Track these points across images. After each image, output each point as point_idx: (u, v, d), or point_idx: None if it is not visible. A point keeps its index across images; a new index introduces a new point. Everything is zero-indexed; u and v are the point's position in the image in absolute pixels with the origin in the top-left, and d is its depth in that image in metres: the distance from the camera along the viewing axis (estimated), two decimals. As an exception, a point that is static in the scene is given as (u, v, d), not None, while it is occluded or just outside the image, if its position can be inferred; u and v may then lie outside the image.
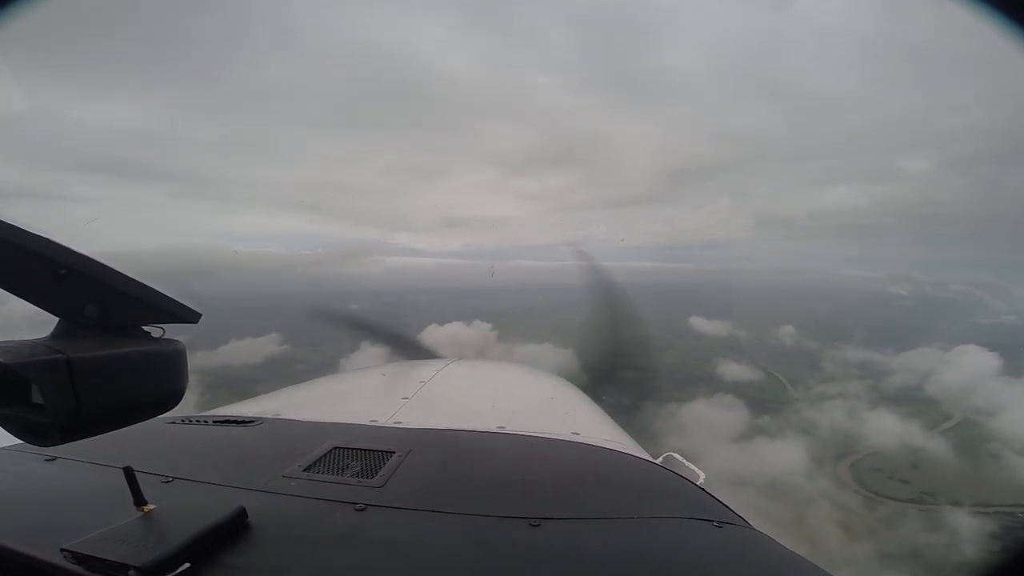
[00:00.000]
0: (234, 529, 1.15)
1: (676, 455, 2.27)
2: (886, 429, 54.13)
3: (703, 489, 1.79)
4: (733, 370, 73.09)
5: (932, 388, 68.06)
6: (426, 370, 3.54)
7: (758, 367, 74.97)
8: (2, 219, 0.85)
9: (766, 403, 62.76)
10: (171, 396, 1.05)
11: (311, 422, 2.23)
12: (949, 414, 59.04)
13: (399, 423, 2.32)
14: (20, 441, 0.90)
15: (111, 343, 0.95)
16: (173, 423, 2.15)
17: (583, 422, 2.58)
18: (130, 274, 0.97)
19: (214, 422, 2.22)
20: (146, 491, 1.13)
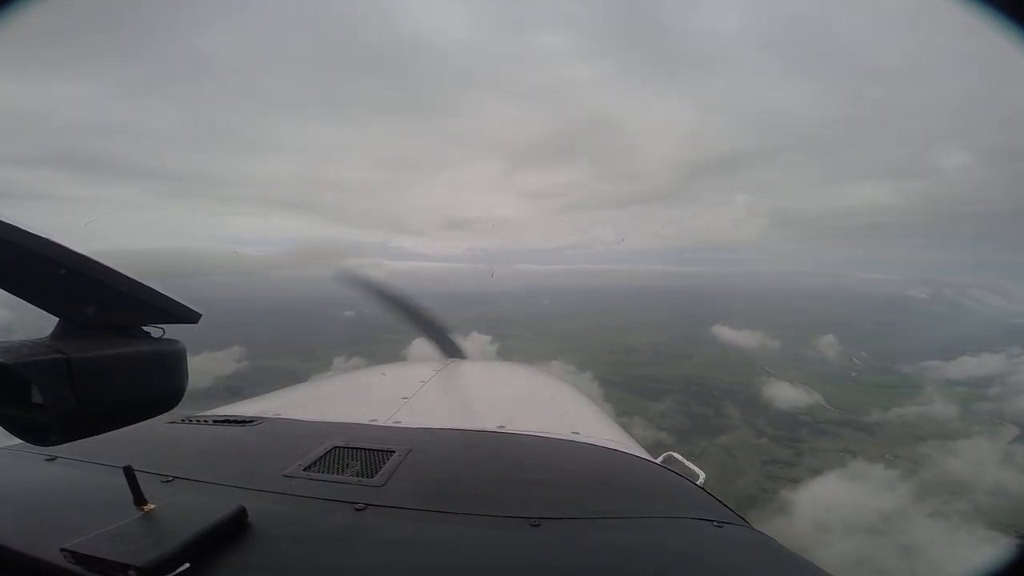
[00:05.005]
0: (234, 529, 1.15)
1: (676, 455, 2.27)
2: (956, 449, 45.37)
3: (703, 489, 1.79)
4: (772, 387, 64.70)
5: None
6: (426, 370, 3.55)
7: (805, 386, 66.52)
8: (2, 219, 0.86)
9: (816, 427, 55.86)
10: (171, 396, 1.05)
11: (311, 422, 2.23)
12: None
13: (399, 423, 2.32)
14: (20, 441, 0.90)
15: (111, 343, 0.96)
16: (173, 423, 2.15)
17: (583, 422, 2.58)
18: (130, 274, 0.98)
19: (214, 422, 2.22)
20: (146, 491, 1.13)
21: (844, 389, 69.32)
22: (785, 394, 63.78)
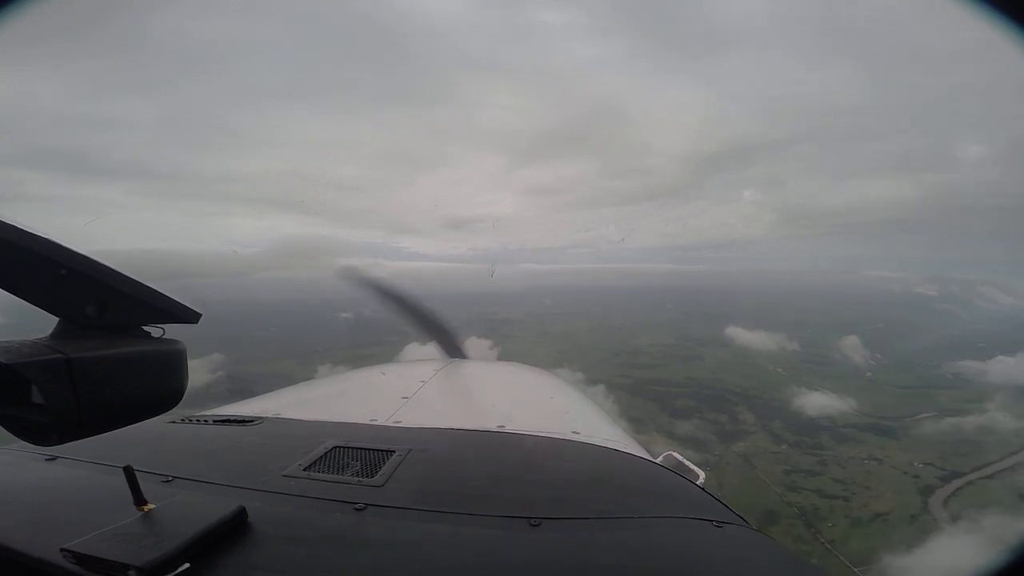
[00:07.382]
0: (234, 529, 1.15)
1: (676, 455, 2.27)
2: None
3: (703, 489, 1.79)
4: (788, 391, 59.67)
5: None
6: (426, 370, 3.55)
7: (823, 390, 61.47)
8: (2, 219, 0.87)
9: (837, 432, 51.56)
10: (171, 396, 1.06)
11: (311, 421, 2.24)
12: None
13: (399, 423, 2.33)
14: (20, 441, 0.91)
15: (111, 343, 0.96)
16: (173, 423, 2.16)
17: (583, 422, 2.57)
18: (130, 274, 0.99)
19: (214, 422, 2.23)
20: (146, 491, 1.13)
21: (867, 392, 65.52)
22: (803, 398, 60.22)
